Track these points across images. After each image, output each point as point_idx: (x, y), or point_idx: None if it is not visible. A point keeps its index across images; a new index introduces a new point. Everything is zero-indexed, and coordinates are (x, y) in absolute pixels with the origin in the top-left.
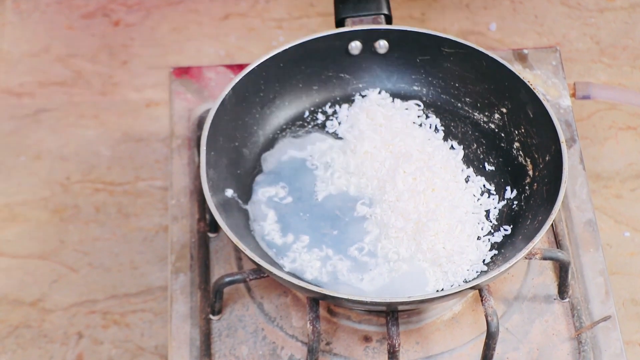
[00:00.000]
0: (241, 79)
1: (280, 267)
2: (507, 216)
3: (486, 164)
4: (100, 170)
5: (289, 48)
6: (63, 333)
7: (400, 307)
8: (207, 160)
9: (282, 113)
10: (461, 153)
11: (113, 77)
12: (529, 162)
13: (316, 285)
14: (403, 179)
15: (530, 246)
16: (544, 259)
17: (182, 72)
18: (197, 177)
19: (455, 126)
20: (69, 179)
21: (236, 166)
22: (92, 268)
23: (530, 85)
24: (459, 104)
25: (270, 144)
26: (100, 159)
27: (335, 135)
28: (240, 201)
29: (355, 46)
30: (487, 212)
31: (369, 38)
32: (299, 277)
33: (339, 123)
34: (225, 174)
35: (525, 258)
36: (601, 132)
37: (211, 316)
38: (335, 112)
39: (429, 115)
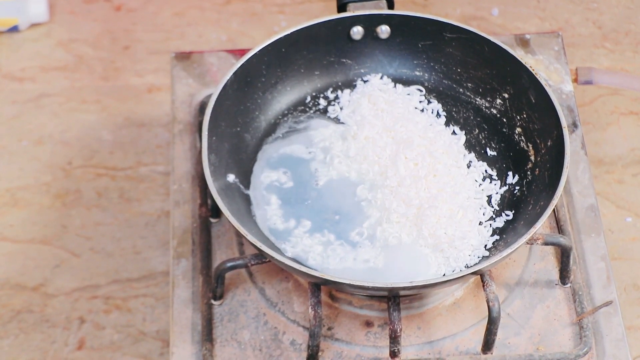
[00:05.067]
0: (243, 64)
1: (281, 252)
2: (508, 201)
3: (488, 150)
4: (102, 155)
5: (291, 33)
6: (65, 318)
7: (401, 292)
8: (209, 145)
9: (284, 98)
10: (463, 138)
11: (115, 62)
12: (530, 148)
13: (318, 270)
14: (405, 165)
15: (532, 231)
16: (546, 244)
17: (184, 57)
18: (199, 162)
19: (457, 111)
20: (70, 163)
21: (238, 151)
22: (94, 253)
23: (532, 71)
24: (461, 89)
25: (271, 129)
26: (102, 144)
27: (337, 121)
28: (241, 186)
29: (357, 31)
30: (489, 197)
31: (370, 23)
32: (301, 262)
33: (341, 108)
34: (226, 159)
35: (527, 243)
36: (603, 117)
37: (213, 301)
38: (337, 98)
39: (431, 100)
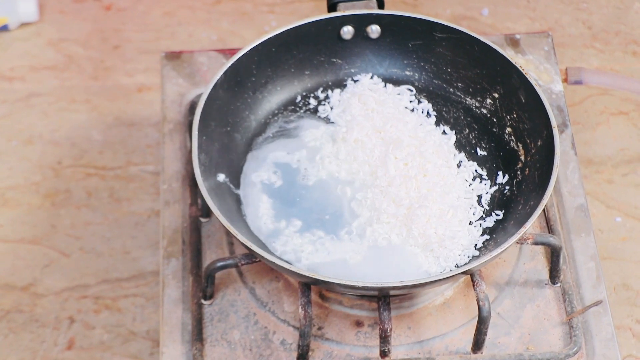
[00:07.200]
0: (233, 63)
1: (272, 252)
2: (499, 201)
3: (478, 149)
4: (91, 155)
5: (281, 33)
6: (55, 318)
7: (392, 292)
8: (199, 145)
9: (274, 98)
10: (453, 138)
11: (105, 62)
12: (520, 147)
13: (308, 270)
14: (395, 165)
15: (522, 231)
16: (536, 243)
17: (174, 56)
18: (189, 161)
19: (447, 111)
20: (60, 163)
21: (228, 151)
22: (83, 253)
23: (522, 71)
24: (451, 89)
25: (262, 128)
26: (91, 144)
27: (327, 120)
28: (232, 186)
29: (347, 31)
30: (479, 197)
31: (361, 23)
32: (291, 262)
33: (331, 108)
34: (217, 158)
35: (517, 243)
36: (593, 117)
37: (203, 301)
38: (327, 97)
39: (421, 100)
